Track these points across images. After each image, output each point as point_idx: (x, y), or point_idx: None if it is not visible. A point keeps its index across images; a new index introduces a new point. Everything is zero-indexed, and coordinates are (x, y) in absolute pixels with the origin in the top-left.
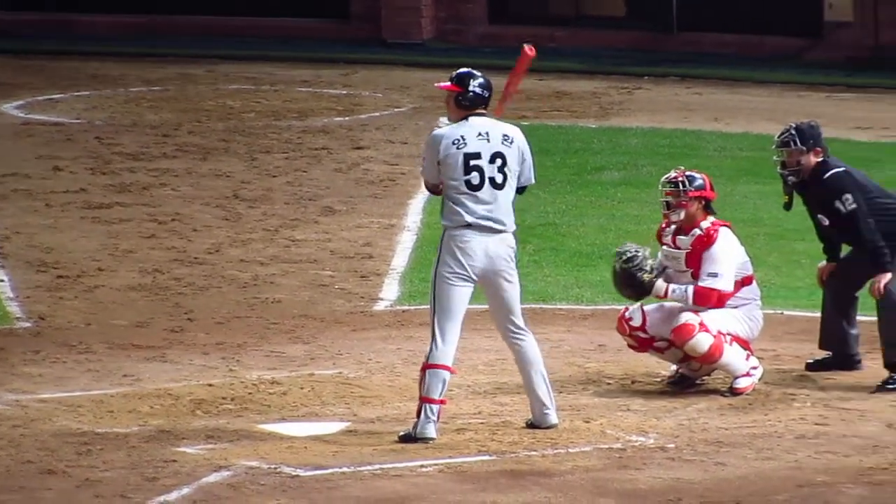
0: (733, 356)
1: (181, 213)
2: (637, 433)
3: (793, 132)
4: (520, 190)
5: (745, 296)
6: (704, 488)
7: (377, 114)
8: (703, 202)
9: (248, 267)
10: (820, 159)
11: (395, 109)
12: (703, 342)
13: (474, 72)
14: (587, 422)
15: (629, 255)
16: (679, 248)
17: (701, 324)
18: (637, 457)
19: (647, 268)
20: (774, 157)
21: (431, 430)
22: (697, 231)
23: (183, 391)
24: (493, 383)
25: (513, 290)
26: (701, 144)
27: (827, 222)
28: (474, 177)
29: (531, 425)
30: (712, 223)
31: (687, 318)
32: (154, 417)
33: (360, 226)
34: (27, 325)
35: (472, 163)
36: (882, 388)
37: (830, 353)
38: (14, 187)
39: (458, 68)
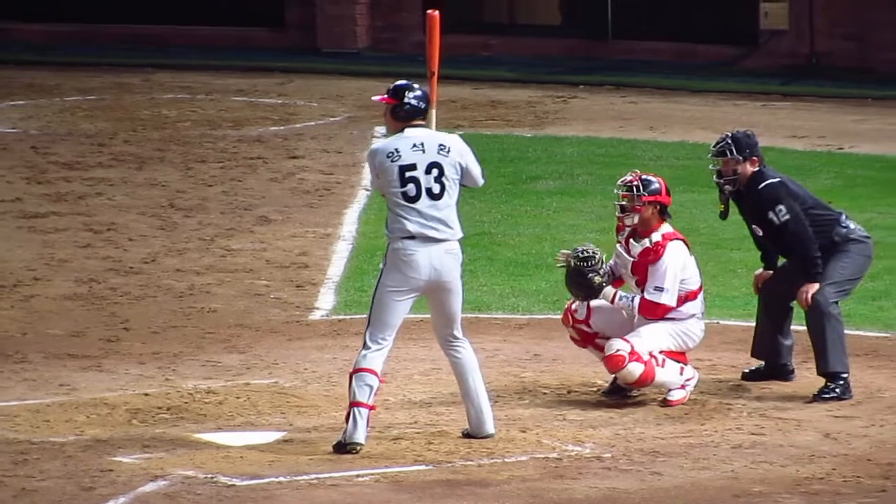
0: (666, 376)
1: (117, 222)
2: (573, 443)
3: (729, 141)
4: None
5: (686, 310)
6: (641, 498)
7: (312, 123)
8: (659, 207)
9: (184, 276)
10: (756, 169)
11: (331, 119)
12: (634, 371)
13: (411, 84)
14: (523, 431)
15: (587, 254)
16: (629, 254)
17: (631, 352)
18: (573, 466)
19: (601, 271)
20: (710, 166)
21: (360, 436)
22: (647, 242)
23: (119, 401)
24: (429, 393)
25: (456, 300)
26: (636, 153)
27: (761, 233)
28: (410, 188)
29: (467, 435)
30: (664, 236)
31: (617, 346)
32: (90, 427)
33: (296, 235)
34: None
35: (408, 174)
36: (818, 397)
37: (763, 362)
38: None
39: (394, 77)
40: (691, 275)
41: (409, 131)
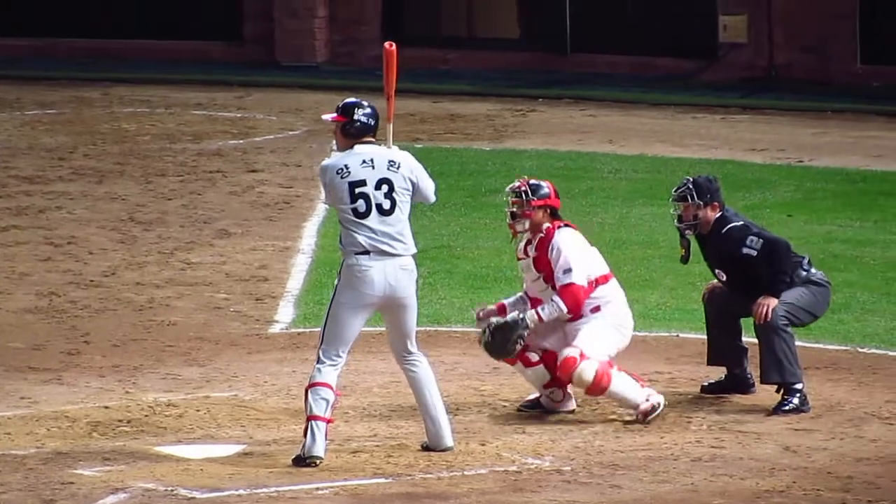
0: (623, 386)
1: (77, 235)
2: (533, 456)
3: (690, 186)
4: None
5: (601, 294)
6: None
7: (271, 136)
8: (549, 210)
9: (144, 290)
10: (718, 214)
11: (290, 132)
12: (587, 369)
13: (361, 101)
14: (483, 444)
15: (503, 322)
16: (528, 255)
17: (581, 353)
18: (533, 479)
19: (522, 325)
20: (672, 211)
21: (319, 449)
22: (540, 234)
23: (79, 413)
24: (388, 406)
25: (411, 317)
26: (595, 166)
27: (724, 277)
28: (360, 204)
29: (426, 448)
30: (553, 223)
31: (567, 351)
32: (51, 439)
33: (255, 248)
34: None
35: (357, 190)
36: (778, 410)
37: (724, 369)
38: None
39: (353, 91)
40: (595, 261)
41: (358, 147)
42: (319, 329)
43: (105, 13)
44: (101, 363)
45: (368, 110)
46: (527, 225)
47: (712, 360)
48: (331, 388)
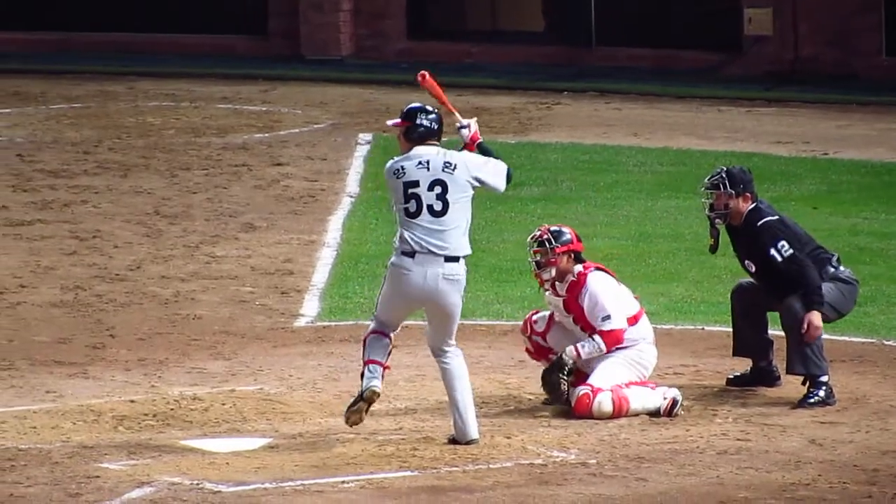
0: (641, 399)
1: (102, 229)
2: (558, 449)
3: (723, 175)
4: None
5: (630, 336)
6: None
7: (296, 130)
8: (572, 255)
9: (169, 283)
10: (751, 206)
11: (315, 126)
12: (605, 403)
13: (425, 106)
14: (508, 437)
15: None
16: (559, 295)
17: (593, 389)
18: (558, 472)
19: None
20: (703, 199)
21: (377, 383)
22: (571, 277)
23: (105, 407)
24: (413, 399)
25: (452, 321)
26: (620, 159)
27: (753, 269)
28: (412, 204)
29: (453, 440)
30: (584, 266)
31: (579, 390)
32: (77, 433)
33: (281, 242)
34: None
35: (410, 191)
36: (803, 403)
37: (750, 360)
38: None
39: (378, 84)
40: (626, 301)
41: (417, 149)
42: (346, 322)
43: (130, 7)
44: (127, 357)
45: (433, 115)
46: (553, 272)
47: (738, 352)
48: (390, 338)
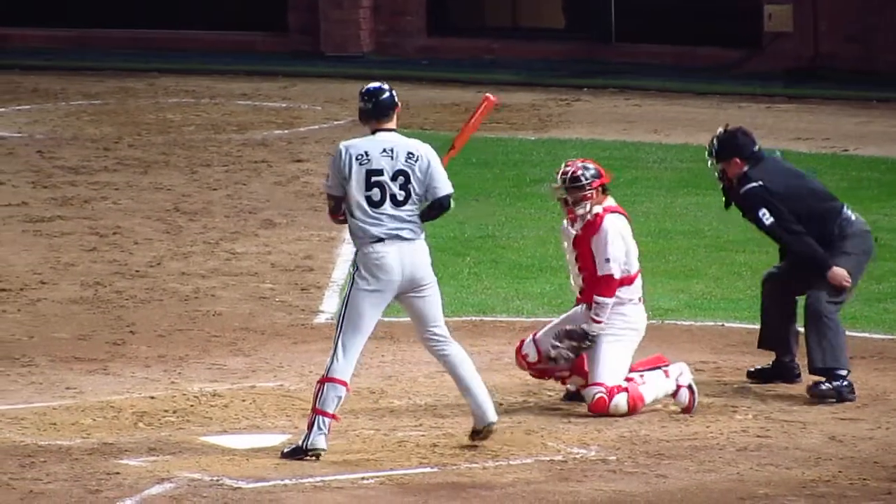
0: (655, 388)
1: (122, 226)
2: (578, 445)
3: (714, 141)
4: (440, 202)
5: (622, 294)
6: (646, 501)
7: (316, 127)
8: (602, 187)
9: (189, 280)
10: (742, 170)
11: (334, 122)
12: (620, 403)
13: (383, 86)
14: (528, 434)
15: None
16: (571, 231)
17: (609, 390)
18: (578, 469)
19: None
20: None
21: (322, 442)
22: (588, 216)
23: (125, 404)
24: (433, 396)
25: (435, 298)
26: (640, 156)
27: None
28: (375, 193)
29: (474, 432)
30: (605, 209)
31: (593, 392)
32: (97, 430)
33: (300, 238)
34: None
35: (374, 179)
36: (815, 388)
37: (773, 353)
38: None
39: (398, 81)
40: (633, 256)
41: (381, 135)
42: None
43: (150, 4)
44: (147, 353)
45: (386, 95)
46: (588, 207)
47: (762, 344)
48: (346, 386)
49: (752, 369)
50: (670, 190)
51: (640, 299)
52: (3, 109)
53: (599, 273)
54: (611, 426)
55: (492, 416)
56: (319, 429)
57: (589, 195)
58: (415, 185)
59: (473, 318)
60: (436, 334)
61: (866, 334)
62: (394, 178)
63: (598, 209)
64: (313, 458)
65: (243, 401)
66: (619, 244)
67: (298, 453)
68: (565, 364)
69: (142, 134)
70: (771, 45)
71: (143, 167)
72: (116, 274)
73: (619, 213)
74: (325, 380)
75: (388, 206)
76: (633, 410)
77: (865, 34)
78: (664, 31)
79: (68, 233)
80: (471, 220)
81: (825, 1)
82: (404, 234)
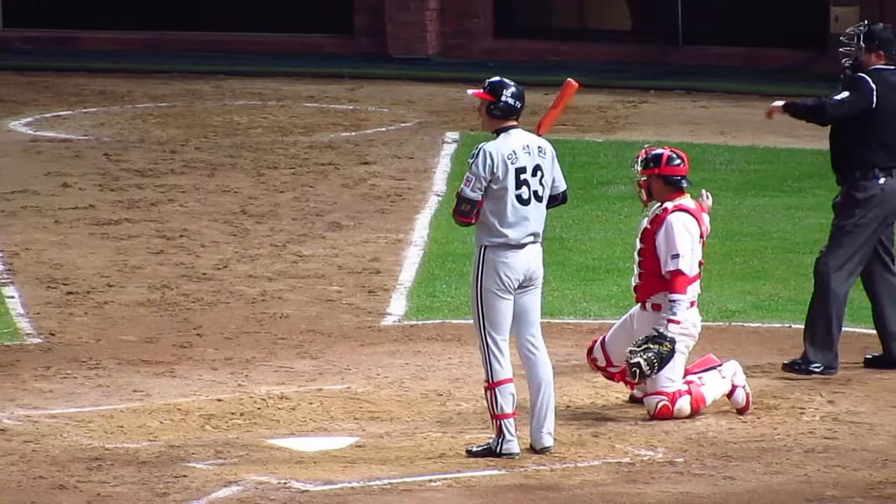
0: (713, 391)
1: (189, 228)
2: (645, 447)
3: (862, 27)
4: (559, 196)
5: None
6: (713, 502)
7: (383, 129)
8: (660, 179)
9: (256, 282)
10: (878, 64)
11: (401, 124)
12: (684, 408)
13: (506, 81)
14: (595, 436)
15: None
16: (644, 222)
17: (670, 397)
18: (646, 471)
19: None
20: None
21: (514, 447)
22: (658, 210)
23: (192, 406)
24: None
25: (539, 300)
26: (707, 158)
27: None
28: (524, 191)
29: (531, 446)
30: (674, 206)
31: (654, 401)
32: (164, 433)
33: (367, 241)
34: (37, 341)
35: (522, 177)
36: (789, 366)
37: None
38: (23, 204)
39: (465, 83)
40: (695, 258)
41: (514, 132)
42: (433, 321)
43: (217, 7)
44: (214, 356)
45: (514, 90)
46: (643, 196)
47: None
48: (511, 380)
49: (870, 356)
50: (737, 192)
51: (692, 303)
52: (70, 112)
53: (665, 270)
54: (678, 428)
55: (548, 441)
56: (509, 433)
57: (642, 182)
58: (547, 180)
59: (541, 321)
60: (534, 338)
61: None
62: (533, 174)
63: (668, 204)
64: (509, 459)
65: (310, 403)
66: (687, 239)
67: (489, 453)
68: (643, 380)
69: (208, 136)
70: (837, 46)
71: (210, 170)
72: (183, 276)
73: (687, 211)
74: (493, 385)
75: (533, 203)
76: (695, 412)
77: None
78: (731, 32)
79: (135, 235)
80: None
81: (892, 2)
82: (536, 237)
